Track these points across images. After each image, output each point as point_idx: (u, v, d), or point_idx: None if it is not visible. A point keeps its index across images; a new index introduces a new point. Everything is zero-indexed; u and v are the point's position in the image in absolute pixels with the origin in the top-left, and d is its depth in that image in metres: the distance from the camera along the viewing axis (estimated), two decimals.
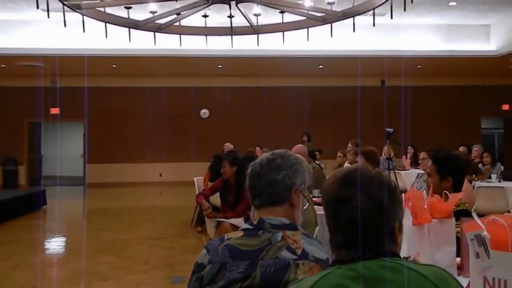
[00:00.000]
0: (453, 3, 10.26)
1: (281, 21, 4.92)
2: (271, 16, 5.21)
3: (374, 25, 4.25)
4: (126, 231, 7.85)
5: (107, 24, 4.56)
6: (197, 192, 7.01)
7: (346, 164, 6.66)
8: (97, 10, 4.36)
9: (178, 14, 4.55)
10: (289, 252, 1.54)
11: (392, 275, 1.09)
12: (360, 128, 12.75)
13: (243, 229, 1.64)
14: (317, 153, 9.44)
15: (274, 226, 1.59)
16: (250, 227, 1.62)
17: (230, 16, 4.61)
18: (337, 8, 4.49)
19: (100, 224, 8.62)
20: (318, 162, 8.05)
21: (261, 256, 1.53)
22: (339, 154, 8.00)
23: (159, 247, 6.77)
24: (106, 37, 4.58)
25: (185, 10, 4.45)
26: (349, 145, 7.84)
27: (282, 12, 4.68)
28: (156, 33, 4.89)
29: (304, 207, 1.78)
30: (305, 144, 7.80)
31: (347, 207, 1.14)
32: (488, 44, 12.15)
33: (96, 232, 7.90)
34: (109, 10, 4.52)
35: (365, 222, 1.12)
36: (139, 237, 7.41)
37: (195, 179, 7.88)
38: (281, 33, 5.00)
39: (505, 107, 15.26)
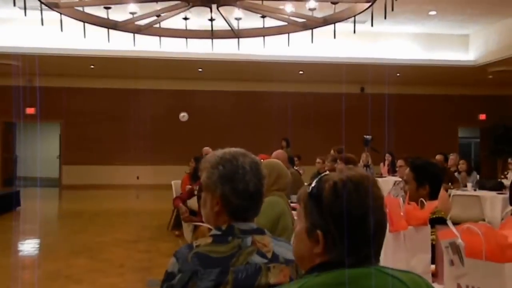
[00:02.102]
0: (433, 13, 10.43)
1: (262, 26, 4.92)
2: (252, 21, 5.21)
3: (354, 32, 4.28)
4: (101, 234, 7.74)
5: (86, 24, 4.50)
6: (174, 196, 6.97)
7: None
8: (76, 9, 4.30)
9: (158, 16, 4.52)
10: (260, 256, 1.53)
11: (374, 282, 1.08)
12: (340, 135, 12.85)
13: (211, 235, 1.61)
14: (295, 158, 9.46)
15: (243, 232, 1.58)
16: (219, 233, 1.60)
17: (211, 19, 4.60)
18: (318, 14, 4.51)
19: (75, 226, 8.48)
20: (296, 168, 8.05)
21: (232, 263, 1.51)
22: (318, 160, 8.02)
23: (135, 250, 6.69)
24: (85, 37, 4.52)
25: (166, 12, 4.42)
26: (332, 151, 7.86)
27: (263, 16, 4.68)
28: (136, 35, 4.85)
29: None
30: (284, 150, 7.80)
31: (374, 217, 1.11)
32: (466, 54, 12.38)
33: (71, 234, 7.77)
34: (88, 9, 4.46)
35: (383, 229, 1.15)
36: (115, 240, 7.31)
37: (172, 182, 7.82)
38: (262, 37, 5.00)
39: (482, 116, 15.55)
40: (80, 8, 4.38)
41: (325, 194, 1.12)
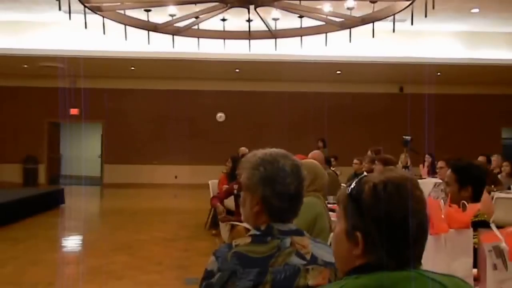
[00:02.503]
0: (476, 10, 10.14)
1: (299, 26, 4.92)
2: (289, 21, 5.21)
3: (394, 31, 4.22)
4: (141, 232, 7.90)
5: (127, 27, 4.60)
6: (211, 195, 7.04)
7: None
8: (117, 12, 4.41)
9: (196, 17, 4.57)
10: (299, 258, 1.53)
11: (415, 286, 1.06)
12: (378, 136, 12.67)
13: (250, 235, 1.61)
14: (332, 159, 9.39)
15: (282, 232, 1.58)
16: (258, 233, 1.60)
17: (249, 20, 4.62)
18: (357, 13, 4.47)
19: (116, 224, 8.68)
20: (333, 169, 7.99)
21: (271, 263, 1.51)
22: (355, 161, 7.94)
23: (173, 248, 6.79)
24: (126, 39, 4.62)
25: (204, 14, 4.47)
26: (369, 152, 7.77)
27: (300, 16, 4.68)
28: (176, 36, 4.93)
29: None
30: (321, 150, 7.76)
31: (415, 219, 1.10)
32: (510, 52, 11.98)
33: (111, 231, 7.96)
34: (129, 12, 4.57)
35: (425, 232, 1.14)
36: (153, 238, 7.45)
37: (210, 182, 7.90)
38: (299, 38, 4.99)
39: None
40: (122, 11, 4.49)
41: (364, 195, 1.12)
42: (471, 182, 2.78)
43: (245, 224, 4.95)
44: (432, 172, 8.96)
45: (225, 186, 6.67)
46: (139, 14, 4.82)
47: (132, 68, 13.01)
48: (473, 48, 11.86)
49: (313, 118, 14.02)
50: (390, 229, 1.08)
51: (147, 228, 8.24)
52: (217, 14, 4.60)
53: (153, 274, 5.46)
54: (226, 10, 4.38)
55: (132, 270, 5.61)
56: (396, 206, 1.08)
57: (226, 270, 1.50)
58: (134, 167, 14.71)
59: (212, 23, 5.20)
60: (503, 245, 1.62)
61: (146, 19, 4.64)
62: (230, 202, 5.82)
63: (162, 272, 5.56)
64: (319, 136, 12.03)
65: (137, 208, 11.01)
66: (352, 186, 1.17)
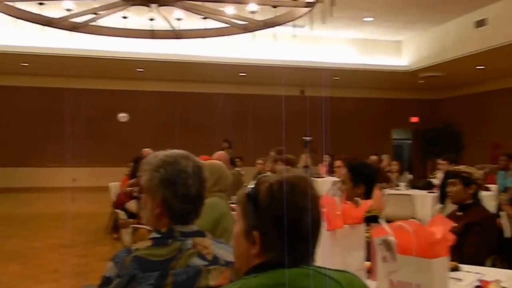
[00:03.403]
0: (369, 19, 10.81)
1: (203, 27, 4.92)
2: (194, 22, 5.19)
3: (294, 36, 4.36)
4: (35, 239, 7.43)
5: (19, 20, 4.31)
6: (113, 198, 6.80)
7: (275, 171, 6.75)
8: (6, 4, 4.12)
9: (95, 13, 4.40)
10: (200, 259, 1.54)
11: (310, 282, 1.10)
12: (281, 137, 13.01)
13: (151, 239, 1.58)
14: (237, 160, 9.49)
15: (184, 234, 1.57)
16: (159, 236, 1.58)
17: (151, 19, 4.54)
18: (259, 17, 4.56)
19: (6, 232, 8.07)
20: (238, 169, 8.09)
21: (172, 265, 1.50)
22: (259, 161, 8.10)
23: (70, 254, 6.46)
24: (17, 33, 4.33)
25: (103, 10, 4.31)
26: (272, 153, 7.95)
27: (204, 18, 4.68)
28: (73, 32, 4.70)
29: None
30: (226, 151, 7.81)
31: (310, 217, 1.14)
32: (400, 59, 12.93)
33: (2, 240, 7.39)
34: (20, 5, 4.28)
35: (319, 229, 1.17)
36: (49, 245, 7.03)
37: (110, 184, 7.63)
38: (203, 39, 4.99)
39: (414, 119, 16.27)
40: (11, 3, 4.20)
41: (261, 195, 1.15)
42: (363, 180, 2.96)
43: (148, 227, 4.85)
44: (330, 171, 9.38)
45: (127, 189, 6.49)
46: (32, 7, 4.53)
47: (25, 64, 12.16)
48: (367, 55, 12.64)
49: (218, 119, 14.06)
50: (285, 227, 1.11)
51: (42, 235, 7.77)
52: (117, 11, 4.45)
53: (48, 283, 5.16)
54: (127, 7, 4.27)
55: (24, 280, 5.26)
56: (290, 205, 1.12)
57: (124, 276, 1.46)
58: (28, 170, 13.77)
59: (113, 21, 5.03)
60: (392, 238, 1.73)
61: (40, 13, 4.37)
62: (132, 204, 5.67)
63: (58, 281, 5.27)
64: (224, 137, 12.10)
65: (31, 214, 10.33)
66: (250, 187, 1.20)
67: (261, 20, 4.52)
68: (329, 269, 1.18)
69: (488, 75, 12.94)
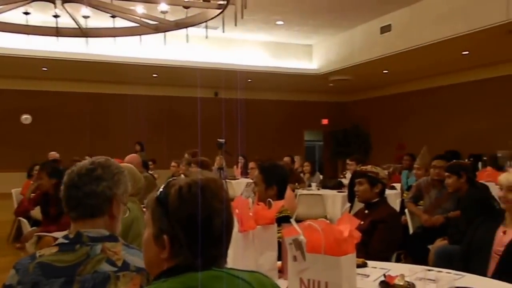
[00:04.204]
0: (280, 22, 11.05)
1: (112, 26, 4.75)
2: (103, 20, 4.99)
3: (206, 37, 4.34)
4: None
5: None
6: (15, 205, 6.38)
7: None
8: None
9: None
10: (109, 265, 1.50)
11: (221, 285, 1.09)
12: (196, 138, 12.92)
13: (57, 244, 1.53)
14: (150, 163, 9.30)
15: (92, 239, 1.53)
16: (66, 241, 1.53)
17: (56, 16, 4.30)
18: (171, 17, 4.49)
19: None
20: (151, 172, 7.91)
21: (79, 272, 1.45)
22: (172, 164, 7.99)
23: None
24: None
25: (2, 5, 4.02)
26: (186, 155, 7.87)
27: (113, 16, 4.52)
28: None
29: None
30: (138, 154, 7.61)
31: (220, 218, 1.13)
32: (310, 63, 13.35)
33: None
34: None
35: (230, 231, 1.16)
36: None
37: (13, 190, 7.14)
38: (113, 38, 4.82)
39: (325, 121, 16.87)
40: None
41: (170, 198, 1.12)
42: (275, 181, 3.01)
43: (53, 234, 4.60)
44: (245, 173, 9.47)
45: (32, 195, 6.11)
46: None
47: None
48: (279, 58, 12.93)
49: (131, 121, 13.66)
50: (195, 229, 1.09)
51: None
52: (18, 7, 4.18)
53: None
54: (28, 3, 4.01)
55: None
56: (201, 207, 1.11)
57: (27, 283, 1.41)
58: None
59: (14, 17, 4.71)
60: (302, 237, 1.77)
61: None
62: (37, 212, 5.33)
63: None
64: (137, 139, 11.79)
65: None
66: (160, 190, 1.17)
67: (173, 21, 4.45)
68: (240, 270, 1.18)
69: (393, 79, 13.72)
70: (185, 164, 6.82)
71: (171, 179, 1.22)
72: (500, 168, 6.66)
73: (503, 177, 2.80)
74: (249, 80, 13.55)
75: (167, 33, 4.66)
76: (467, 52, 10.26)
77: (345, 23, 11.21)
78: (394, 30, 10.46)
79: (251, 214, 2.25)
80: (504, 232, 2.72)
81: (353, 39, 11.82)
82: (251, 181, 6.33)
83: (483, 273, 2.57)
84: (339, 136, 15.94)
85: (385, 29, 10.67)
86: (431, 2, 9.50)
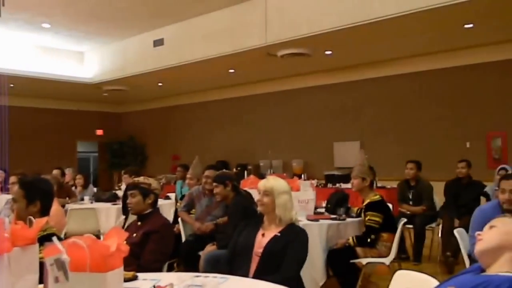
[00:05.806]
0: (47, 25, 10.27)
1: None
2: None
3: None
4: None
5: None
6: None
7: None
8: None
9: None
10: None
11: None
12: None
13: None
14: None
15: None
16: None
17: None
18: None
19: None
20: None
21: None
22: None
23: None
24: None
25: None
26: None
27: None
28: None
29: None
30: None
31: None
32: (83, 71, 12.70)
33: None
34: None
35: None
36: None
37: None
38: None
39: (99, 132, 16.26)
40: None
41: None
42: (39, 196, 2.77)
43: None
44: (5, 189, 8.49)
45: None
46: None
47: None
48: (48, 63, 12.00)
49: None
50: None
51: None
52: None
53: None
54: None
55: None
56: None
57: None
58: None
59: None
60: (64, 256, 1.66)
61: None
62: None
63: None
64: None
65: None
66: None
67: None
68: None
69: (168, 92, 14.02)
70: None
71: None
72: (262, 176, 7.37)
73: (261, 183, 3.11)
74: (12, 85, 12.19)
75: None
76: (233, 71, 11.09)
77: (118, 32, 11.01)
78: (167, 45, 10.67)
79: (6, 235, 2.01)
80: (263, 235, 3.01)
81: (126, 50, 11.69)
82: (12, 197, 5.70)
83: (246, 274, 2.80)
84: (114, 147, 15.60)
85: (158, 42, 10.82)
86: (200, 20, 9.95)
